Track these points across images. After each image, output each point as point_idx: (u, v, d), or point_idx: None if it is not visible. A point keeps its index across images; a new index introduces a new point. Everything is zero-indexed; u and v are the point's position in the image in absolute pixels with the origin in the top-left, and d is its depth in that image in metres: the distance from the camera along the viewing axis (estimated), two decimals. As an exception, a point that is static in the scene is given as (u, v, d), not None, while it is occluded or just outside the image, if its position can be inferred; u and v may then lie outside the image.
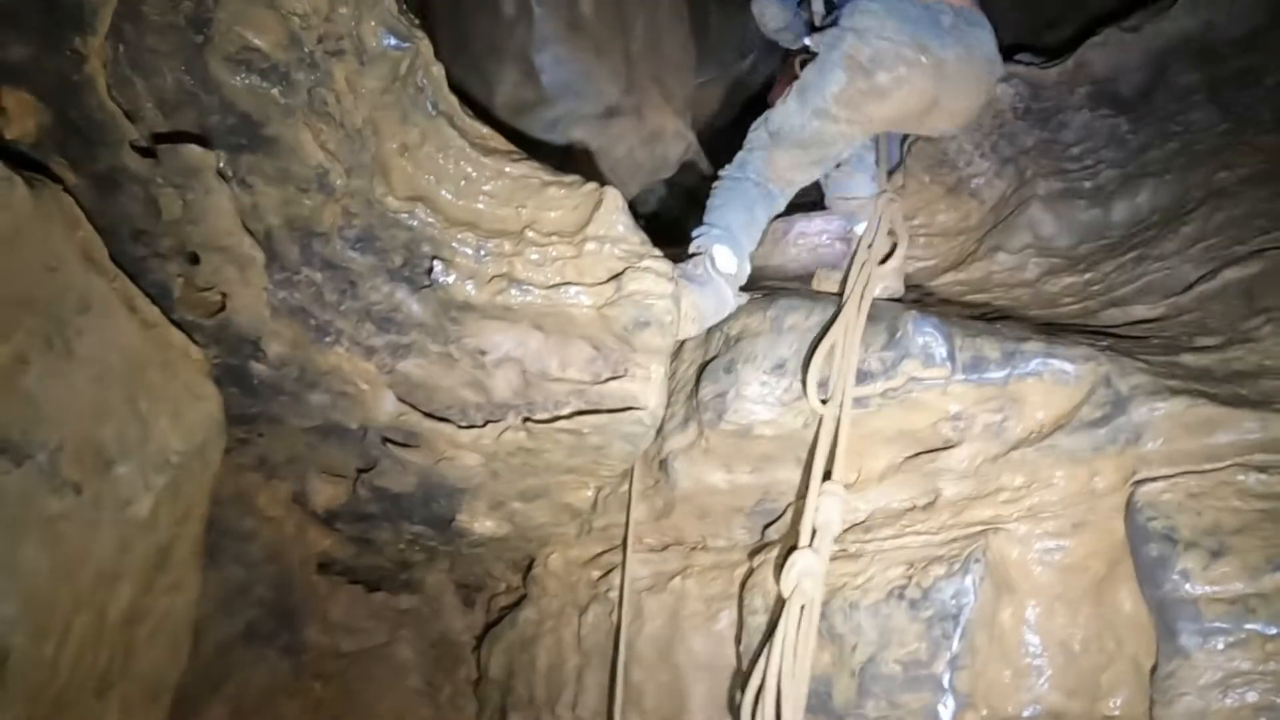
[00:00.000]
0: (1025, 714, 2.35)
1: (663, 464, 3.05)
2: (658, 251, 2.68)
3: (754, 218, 3.19)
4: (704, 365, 3.00)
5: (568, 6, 4.04)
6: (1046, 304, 3.31)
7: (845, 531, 2.72)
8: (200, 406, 2.51)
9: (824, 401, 2.61)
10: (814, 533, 2.40)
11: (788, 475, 2.93)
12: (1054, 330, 2.87)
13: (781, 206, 3.33)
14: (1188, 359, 2.66)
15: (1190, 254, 3.17)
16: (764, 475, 2.95)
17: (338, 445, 3.10)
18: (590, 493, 3.13)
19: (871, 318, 2.78)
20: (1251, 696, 1.95)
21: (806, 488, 2.49)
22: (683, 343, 3.10)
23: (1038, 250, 3.52)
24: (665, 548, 3.20)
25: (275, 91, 2.44)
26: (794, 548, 2.38)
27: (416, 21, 2.62)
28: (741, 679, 2.69)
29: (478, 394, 2.85)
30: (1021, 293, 3.42)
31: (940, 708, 2.37)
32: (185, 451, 2.44)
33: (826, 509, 2.43)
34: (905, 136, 3.94)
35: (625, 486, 3.19)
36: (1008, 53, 3.82)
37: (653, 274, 2.59)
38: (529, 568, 3.62)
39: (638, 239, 2.66)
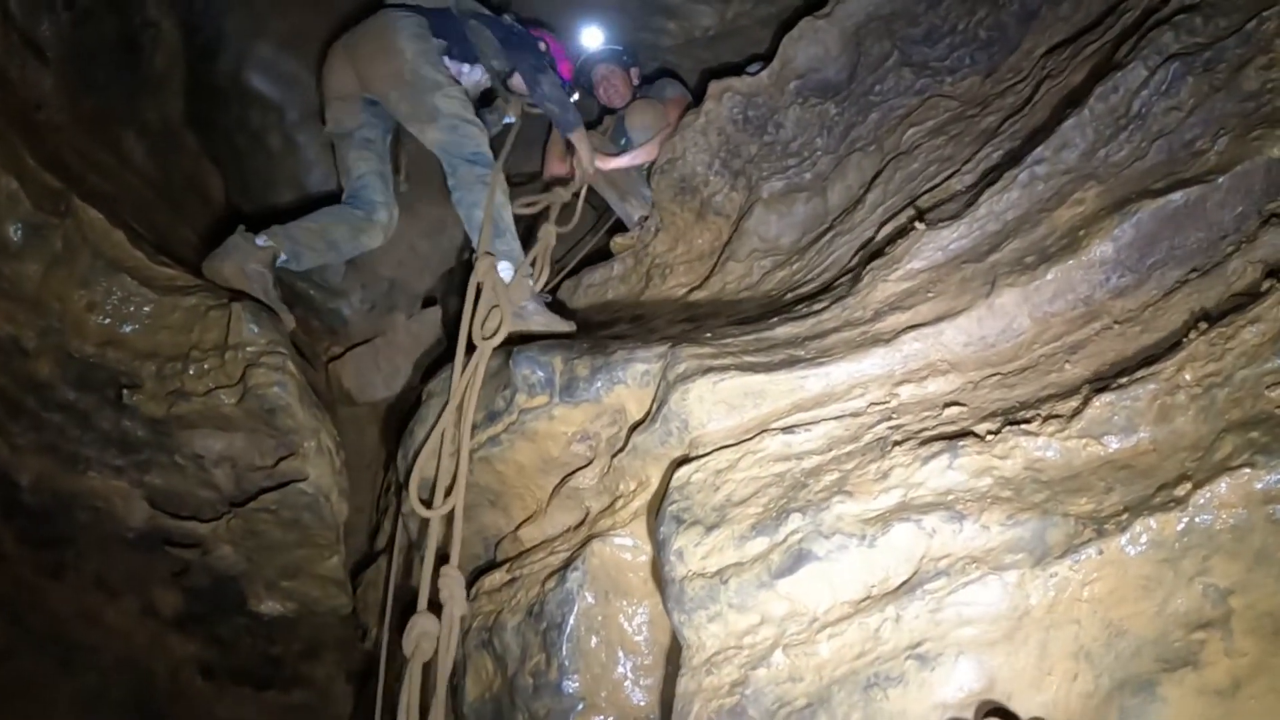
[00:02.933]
0: (652, 714, 2.42)
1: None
2: (280, 349, 3.01)
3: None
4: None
5: (322, 129, 4.44)
6: (761, 304, 3.38)
7: (510, 560, 2.89)
8: None
9: (425, 503, 2.83)
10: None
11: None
12: (689, 333, 2.95)
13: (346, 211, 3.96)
14: (784, 330, 2.71)
15: (871, 220, 3.21)
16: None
17: (149, 555, 3.51)
18: (337, 560, 3.40)
19: (494, 362, 2.98)
20: (729, 671, 1.86)
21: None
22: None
23: (763, 252, 3.60)
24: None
25: None
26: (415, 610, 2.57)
27: (64, 206, 3.07)
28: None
29: (209, 491, 3.23)
30: (746, 296, 3.50)
31: (563, 712, 2.47)
32: None
33: (449, 585, 2.60)
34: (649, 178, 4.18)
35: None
36: (746, 64, 3.99)
37: (265, 367, 2.91)
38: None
39: (265, 340, 3.01)
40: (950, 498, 1.82)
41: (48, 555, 3.38)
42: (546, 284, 3.95)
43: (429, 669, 2.44)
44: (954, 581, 1.71)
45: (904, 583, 1.77)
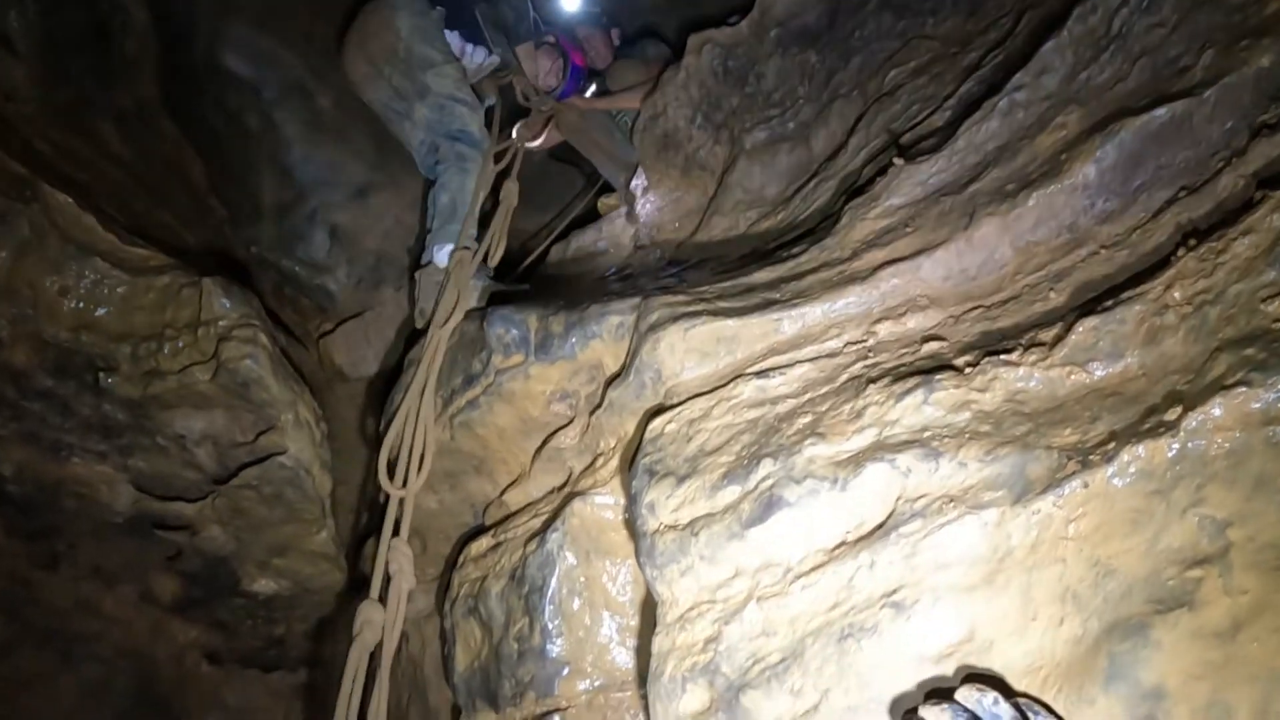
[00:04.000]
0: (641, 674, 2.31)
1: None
2: (252, 321, 2.96)
3: None
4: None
5: (304, 107, 4.36)
6: (743, 254, 3.27)
7: (496, 525, 2.81)
8: None
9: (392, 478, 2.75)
10: (386, 582, 2.52)
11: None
12: (668, 286, 2.86)
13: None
14: (761, 275, 2.62)
15: (854, 163, 3.10)
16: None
17: (141, 541, 3.46)
18: (325, 534, 3.34)
19: (472, 326, 2.90)
20: (702, 627, 1.79)
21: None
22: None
23: (748, 204, 3.50)
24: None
25: None
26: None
27: (30, 193, 3.02)
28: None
29: (193, 471, 3.18)
30: (731, 248, 3.39)
31: (548, 677, 2.40)
32: None
33: (398, 559, 2.55)
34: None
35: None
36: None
37: (237, 340, 2.85)
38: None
39: (237, 314, 2.95)
40: (926, 435, 1.72)
41: (39, 547, 3.37)
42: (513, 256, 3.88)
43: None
44: (930, 523, 1.60)
45: (879, 527, 1.67)
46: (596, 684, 2.35)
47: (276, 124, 4.49)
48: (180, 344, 3.06)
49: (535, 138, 4.42)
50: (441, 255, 3.48)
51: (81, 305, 3.11)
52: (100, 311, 3.11)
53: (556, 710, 2.34)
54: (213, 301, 3.08)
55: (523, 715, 2.42)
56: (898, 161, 2.58)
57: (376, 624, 2.39)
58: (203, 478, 3.25)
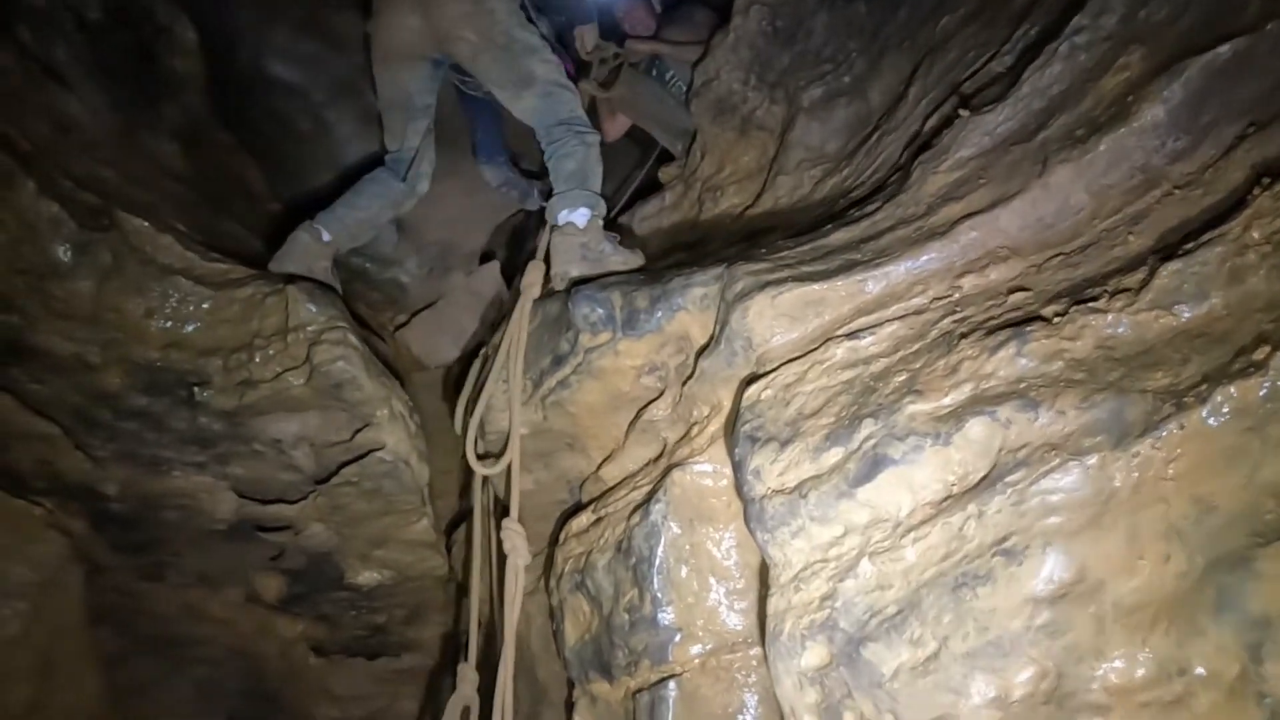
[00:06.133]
0: (749, 636, 2.40)
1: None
2: (340, 323, 3.07)
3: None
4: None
5: (355, 105, 4.43)
6: (815, 214, 3.33)
7: (594, 500, 2.92)
8: (43, 547, 3.19)
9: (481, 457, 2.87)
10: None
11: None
12: (745, 252, 2.92)
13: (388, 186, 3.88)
14: (839, 236, 2.68)
15: (915, 114, 3.13)
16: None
17: (243, 544, 3.62)
18: (425, 522, 3.47)
19: (554, 306, 2.99)
20: (817, 585, 1.86)
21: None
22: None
23: (811, 161, 3.54)
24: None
25: (14, 319, 3.08)
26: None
27: (107, 221, 3.15)
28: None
29: (292, 473, 3.32)
30: (799, 208, 3.45)
31: (661, 644, 2.49)
32: (38, 582, 3.15)
33: (511, 538, 2.74)
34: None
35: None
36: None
37: (327, 343, 2.96)
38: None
39: (324, 317, 3.06)
40: (1023, 385, 1.78)
41: (145, 559, 3.53)
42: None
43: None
44: (1034, 471, 1.67)
45: (984, 478, 1.75)
46: (709, 647, 2.42)
47: (329, 124, 4.59)
48: (271, 352, 3.16)
49: (604, 87, 4.39)
50: (576, 216, 3.40)
51: (169, 324, 3.21)
52: (188, 328, 3.21)
53: (671, 675, 2.41)
54: (299, 308, 3.16)
55: (638, 683, 2.51)
56: (963, 113, 2.62)
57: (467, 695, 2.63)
58: (302, 478, 3.35)
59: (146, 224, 3.21)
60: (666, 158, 4.63)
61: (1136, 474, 1.59)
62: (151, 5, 4.21)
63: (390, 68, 3.75)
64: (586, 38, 4.35)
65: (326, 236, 3.66)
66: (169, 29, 4.28)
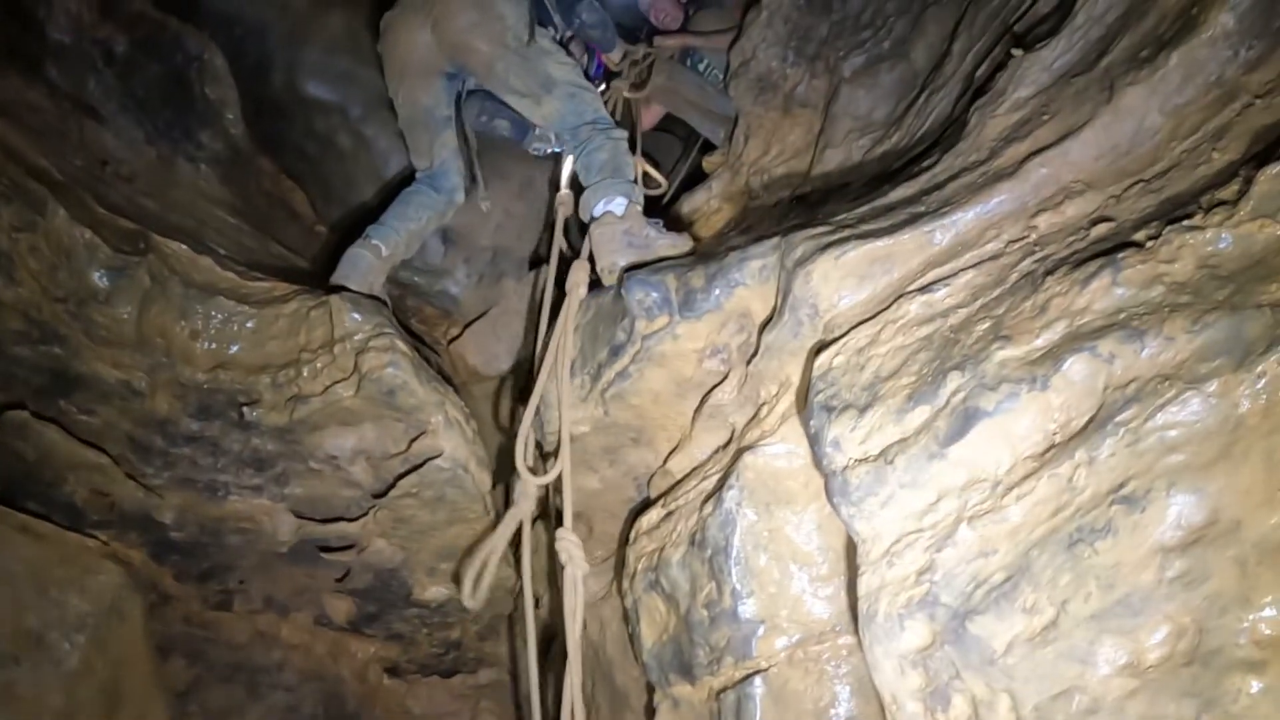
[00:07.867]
0: (838, 623, 2.24)
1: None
2: (386, 330, 2.98)
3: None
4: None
5: (392, 118, 4.35)
6: (869, 183, 3.19)
7: (664, 494, 2.79)
8: (101, 578, 3.11)
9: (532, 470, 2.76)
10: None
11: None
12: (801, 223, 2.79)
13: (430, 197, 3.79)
14: (898, 192, 2.54)
15: (963, 68, 3.00)
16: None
17: (309, 566, 3.54)
18: (488, 532, 3.38)
19: (605, 298, 2.88)
20: (912, 558, 1.73)
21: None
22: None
23: (860, 131, 3.41)
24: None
25: (57, 350, 3.03)
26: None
27: (143, 244, 3.10)
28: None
29: (351, 489, 3.24)
30: (852, 178, 3.31)
31: (744, 638, 2.33)
32: (97, 612, 3.06)
33: (566, 548, 2.59)
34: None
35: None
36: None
37: (375, 351, 2.87)
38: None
39: (370, 325, 2.98)
40: (1122, 316, 1.62)
41: (211, 587, 3.47)
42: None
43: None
44: (1147, 406, 1.51)
45: (1090, 420, 1.59)
46: (795, 639, 2.26)
47: (368, 140, 4.50)
48: (319, 365, 3.07)
49: (636, 88, 4.29)
50: (614, 206, 3.31)
51: (214, 345, 3.15)
52: (234, 348, 3.15)
53: (757, 671, 2.25)
54: (343, 317, 3.08)
55: (721, 682, 2.36)
56: (1016, 52, 2.47)
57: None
58: (361, 494, 3.25)
59: (184, 246, 3.16)
60: (709, 147, 4.51)
61: (1265, 396, 1.42)
62: (179, 35, 4.18)
63: (406, 85, 3.76)
64: (614, 56, 4.27)
65: (385, 251, 3.59)
66: (199, 58, 4.25)
